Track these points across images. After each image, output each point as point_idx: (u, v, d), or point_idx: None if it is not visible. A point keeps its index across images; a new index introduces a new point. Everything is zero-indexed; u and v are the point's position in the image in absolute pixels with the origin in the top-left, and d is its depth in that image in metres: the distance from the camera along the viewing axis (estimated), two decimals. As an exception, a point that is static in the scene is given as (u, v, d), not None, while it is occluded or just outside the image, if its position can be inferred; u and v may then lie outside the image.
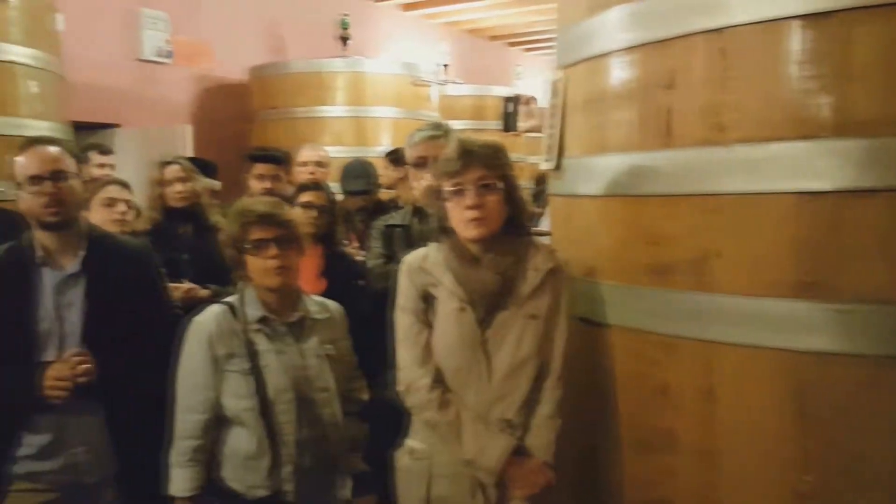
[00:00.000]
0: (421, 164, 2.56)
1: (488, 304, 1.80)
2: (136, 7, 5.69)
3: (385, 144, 5.66)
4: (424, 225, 2.58)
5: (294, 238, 2.07)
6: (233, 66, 6.31)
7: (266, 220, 2.04)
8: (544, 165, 2.17)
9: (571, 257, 1.90)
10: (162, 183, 3.23)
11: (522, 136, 2.70)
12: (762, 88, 1.50)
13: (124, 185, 3.16)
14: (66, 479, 2.07)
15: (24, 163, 2.04)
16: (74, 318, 2.06)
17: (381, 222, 2.82)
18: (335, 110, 5.62)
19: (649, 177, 1.68)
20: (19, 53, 3.41)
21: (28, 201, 2.03)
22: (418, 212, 2.67)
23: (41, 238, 2.08)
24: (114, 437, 2.09)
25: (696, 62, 1.59)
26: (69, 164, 2.09)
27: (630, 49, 1.73)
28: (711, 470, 1.61)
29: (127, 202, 3.08)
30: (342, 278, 2.90)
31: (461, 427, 1.79)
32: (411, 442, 1.94)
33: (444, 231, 1.87)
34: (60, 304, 2.06)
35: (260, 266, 2.03)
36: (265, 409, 2.00)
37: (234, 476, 2.04)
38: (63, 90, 3.86)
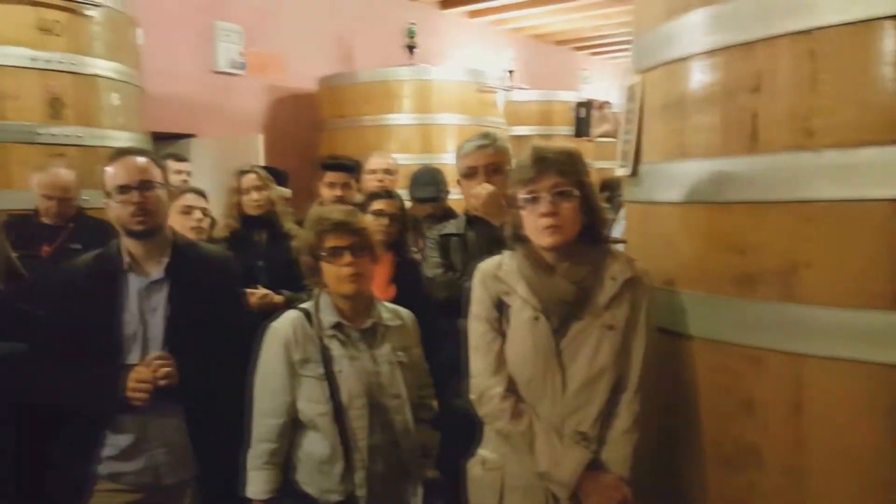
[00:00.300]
0: (471, 174, 2.56)
1: (563, 314, 1.77)
2: (212, 20, 5.87)
3: (451, 151, 5.67)
4: (479, 234, 2.58)
5: (368, 246, 2.09)
6: (303, 77, 6.44)
7: (341, 227, 2.06)
8: (620, 171, 2.13)
9: (649, 266, 1.84)
10: (239, 191, 3.31)
11: (595, 141, 2.65)
12: (853, 91, 1.44)
13: (201, 193, 3.25)
14: (147, 481, 2.12)
15: (113, 173, 2.11)
16: (158, 323, 2.13)
17: (436, 232, 2.80)
18: (402, 118, 5.67)
19: (733, 183, 1.63)
20: (102, 67, 3.57)
21: (116, 210, 2.10)
22: (472, 221, 2.65)
23: (128, 245, 2.15)
24: (193, 440, 2.14)
25: (783, 65, 1.53)
26: (156, 174, 2.16)
27: (712, 52, 1.68)
28: (799, 489, 1.55)
29: (203, 210, 3.17)
30: (412, 285, 2.90)
31: (534, 438, 1.76)
32: (483, 452, 1.92)
33: (519, 239, 1.84)
34: (145, 308, 2.13)
35: (334, 273, 2.06)
36: (339, 414, 2.02)
37: (309, 480, 2.06)
38: (142, 102, 4.01)
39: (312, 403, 2.04)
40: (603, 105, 2.65)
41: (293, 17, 6.51)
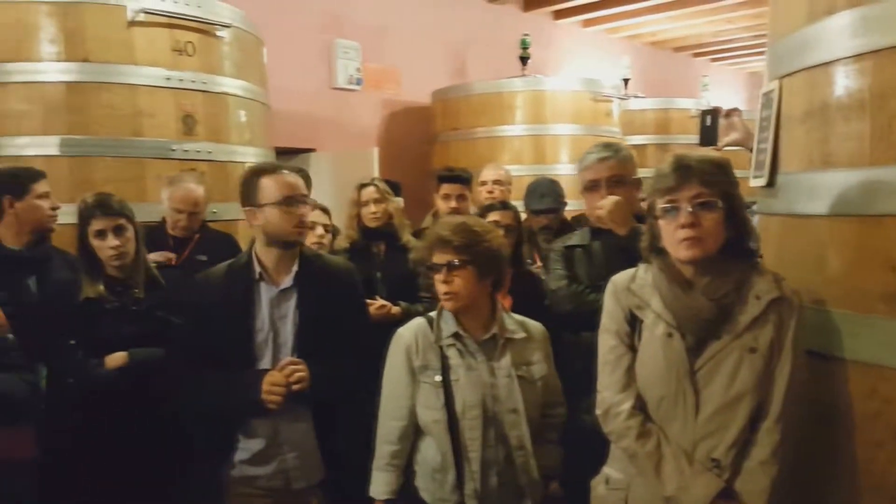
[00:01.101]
0: (593, 187, 2.50)
1: (700, 332, 1.68)
2: (332, 38, 6.06)
3: (564, 162, 5.61)
4: (604, 245, 2.51)
5: (471, 262, 2.04)
6: (417, 90, 6.54)
7: (442, 244, 2.05)
8: (754, 182, 2.02)
9: (790, 283, 1.73)
10: (359, 203, 3.38)
11: (722, 150, 2.54)
12: None
13: (324, 210, 3.33)
14: (278, 485, 2.20)
15: (275, 185, 2.19)
16: (288, 329, 2.22)
17: (560, 243, 2.73)
18: (515, 129, 5.66)
19: (885, 194, 1.51)
20: (231, 85, 3.74)
21: (277, 220, 2.18)
22: (597, 232, 2.58)
23: (261, 255, 2.24)
24: (321, 444, 2.20)
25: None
26: (306, 190, 2.30)
27: (860, 56, 1.58)
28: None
29: (325, 226, 3.25)
30: (527, 297, 2.87)
31: (662, 460, 1.68)
32: (608, 470, 1.86)
33: (656, 251, 1.77)
34: (275, 316, 2.22)
35: (437, 289, 2.07)
36: (452, 423, 2.01)
37: (425, 486, 2.08)
38: (268, 118, 4.17)
39: (428, 410, 2.05)
40: (730, 112, 2.53)
41: (408, 31, 6.63)
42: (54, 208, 2.80)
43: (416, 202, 5.21)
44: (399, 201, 3.65)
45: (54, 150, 3.18)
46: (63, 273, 2.66)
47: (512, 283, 2.95)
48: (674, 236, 1.67)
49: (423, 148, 6.28)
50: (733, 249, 1.70)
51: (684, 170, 1.67)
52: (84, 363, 2.41)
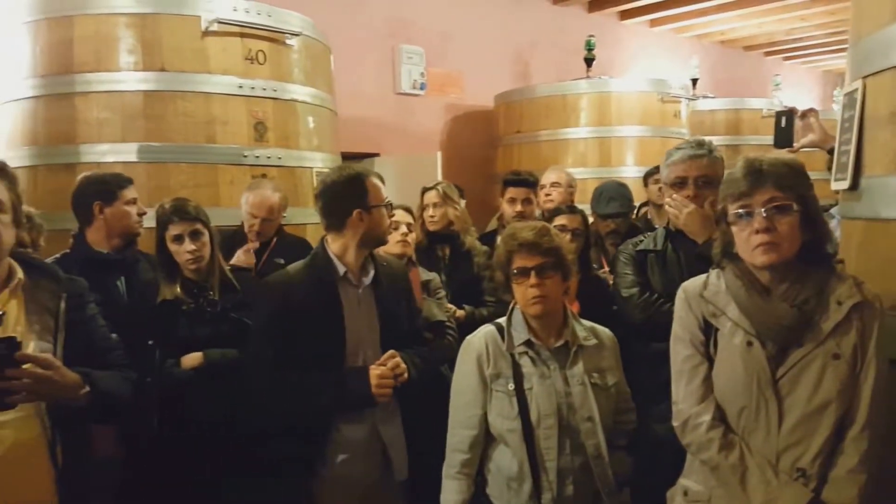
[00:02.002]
0: (680, 183, 2.39)
1: (781, 340, 1.63)
2: (397, 44, 6.12)
3: (629, 164, 5.53)
4: (680, 251, 2.41)
5: (557, 265, 2.04)
6: (479, 94, 6.55)
7: (529, 248, 2.03)
8: (835, 185, 1.95)
9: (875, 289, 1.66)
10: (423, 207, 3.40)
11: (798, 152, 2.45)
12: None
13: (407, 209, 3.34)
14: (370, 481, 2.24)
15: (380, 188, 2.30)
16: (373, 326, 2.28)
17: (630, 247, 2.59)
18: (579, 132, 5.61)
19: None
20: (300, 92, 3.80)
21: (383, 222, 2.31)
22: (673, 236, 2.46)
23: (346, 256, 2.27)
24: (408, 442, 2.27)
25: None
26: None
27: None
28: None
29: (408, 225, 3.25)
30: (595, 302, 2.83)
31: (746, 472, 1.64)
32: (686, 482, 1.82)
33: (729, 257, 1.72)
34: (361, 314, 2.27)
35: (521, 293, 2.05)
36: (527, 431, 1.99)
37: (499, 495, 2.06)
38: (335, 124, 4.24)
39: (502, 418, 2.03)
40: (807, 113, 2.44)
41: (471, 35, 6.64)
42: (141, 214, 2.89)
43: (479, 206, 5.22)
44: (462, 205, 3.66)
45: (133, 157, 3.29)
46: (149, 275, 2.74)
47: (580, 287, 2.93)
48: (748, 242, 1.63)
49: (486, 152, 6.28)
50: (811, 254, 1.65)
51: (757, 173, 1.63)
52: (161, 363, 2.49)
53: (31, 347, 1.67)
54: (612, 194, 3.77)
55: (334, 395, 2.18)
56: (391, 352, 2.21)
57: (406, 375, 2.20)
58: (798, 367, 1.62)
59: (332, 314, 2.22)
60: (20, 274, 1.74)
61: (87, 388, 1.69)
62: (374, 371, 2.17)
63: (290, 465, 2.21)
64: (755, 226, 1.61)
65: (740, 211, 1.64)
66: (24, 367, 1.55)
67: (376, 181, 2.29)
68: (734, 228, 1.67)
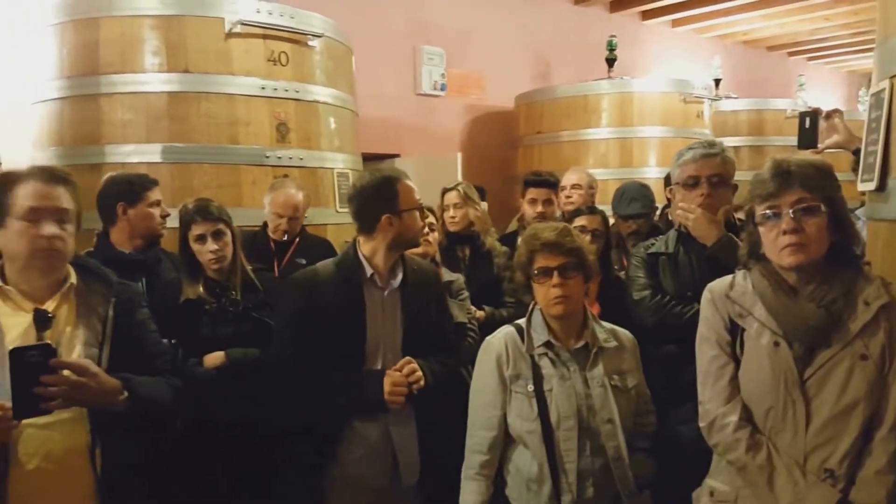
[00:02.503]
0: (692, 183, 2.38)
1: (809, 340, 1.62)
2: (417, 45, 6.14)
3: (651, 165, 5.50)
4: (692, 253, 2.39)
5: (579, 266, 2.04)
6: (500, 95, 6.54)
7: (551, 248, 2.03)
8: (862, 185, 1.93)
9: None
10: (443, 208, 3.40)
11: (822, 153, 2.42)
12: None
13: (431, 210, 3.34)
14: (381, 483, 2.23)
15: (412, 191, 2.27)
16: (397, 330, 2.25)
17: (642, 250, 2.58)
18: (600, 132, 5.59)
19: None
20: (322, 94, 3.82)
21: (416, 225, 2.28)
22: (684, 238, 2.44)
23: (376, 258, 2.25)
24: (422, 446, 2.24)
25: None
26: None
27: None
28: None
29: (430, 225, 3.26)
30: (616, 304, 2.81)
31: (774, 472, 1.63)
32: (712, 482, 1.81)
33: (756, 257, 1.71)
34: (384, 316, 2.25)
35: (543, 294, 2.04)
36: (547, 433, 1.98)
37: (518, 496, 2.05)
38: (356, 125, 4.25)
39: (522, 420, 2.03)
40: (831, 114, 2.41)
41: (492, 36, 6.64)
42: (165, 216, 2.90)
43: (500, 206, 5.22)
44: (483, 206, 3.66)
45: (157, 158, 3.33)
46: (171, 274, 2.76)
47: (600, 289, 2.92)
48: (776, 243, 1.63)
49: (507, 152, 6.28)
50: (838, 255, 1.64)
51: (784, 175, 1.62)
52: (184, 362, 2.50)
53: (76, 351, 1.70)
54: (634, 195, 3.74)
55: (350, 396, 2.17)
56: (407, 358, 2.18)
57: (422, 382, 2.16)
58: (826, 367, 1.61)
59: (354, 314, 2.21)
60: (73, 278, 1.77)
61: (126, 394, 1.70)
62: (389, 377, 2.15)
63: (302, 464, 2.21)
64: (783, 227, 1.61)
65: (768, 212, 1.64)
66: (62, 373, 1.56)
67: (409, 184, 2.27)
68: (761, 229, 1.66)
